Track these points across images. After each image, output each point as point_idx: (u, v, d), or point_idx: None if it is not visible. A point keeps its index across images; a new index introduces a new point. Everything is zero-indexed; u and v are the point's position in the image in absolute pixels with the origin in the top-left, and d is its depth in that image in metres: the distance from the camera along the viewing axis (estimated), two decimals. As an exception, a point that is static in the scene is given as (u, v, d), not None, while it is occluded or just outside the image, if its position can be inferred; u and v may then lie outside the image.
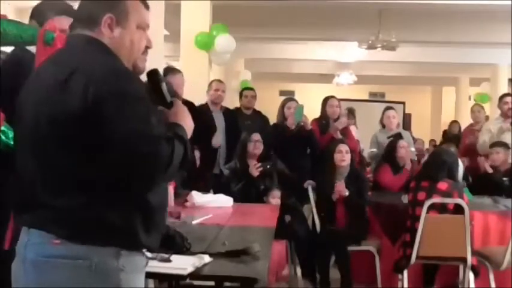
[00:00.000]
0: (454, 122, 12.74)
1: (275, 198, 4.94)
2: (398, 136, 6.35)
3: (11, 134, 2.53)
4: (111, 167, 1.76)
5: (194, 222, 3.53)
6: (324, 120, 6.16)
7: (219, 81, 6.48)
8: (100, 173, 1.77)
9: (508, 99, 6.66)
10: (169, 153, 1.77)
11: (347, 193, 5.03)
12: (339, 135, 6.01)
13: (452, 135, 11.46)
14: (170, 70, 5.04)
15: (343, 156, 5.22)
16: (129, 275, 1.84)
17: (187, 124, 1.98)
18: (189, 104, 5.05)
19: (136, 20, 1.93)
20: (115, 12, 1.89)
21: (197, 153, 5.34)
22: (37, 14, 2.86)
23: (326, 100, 6.34)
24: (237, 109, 6.86)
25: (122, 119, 1.73)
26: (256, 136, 5.25)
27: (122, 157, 1.74)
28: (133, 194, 1.83)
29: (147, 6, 1.97)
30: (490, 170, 5.99)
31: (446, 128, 12.63)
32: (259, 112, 6.80)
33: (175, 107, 2.01)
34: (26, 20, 2.87)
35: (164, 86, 2.00)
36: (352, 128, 7.41)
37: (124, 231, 1.82)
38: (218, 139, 5.85)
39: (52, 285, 1.78)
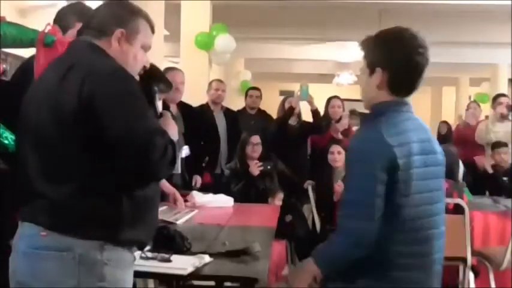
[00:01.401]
0: (443, 123, 12.76)
1: (280, 200, 4.97)
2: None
3: (4, 134, 2.55)
4: (107, 159, 1.84)
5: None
6: (325, 121, 6.17)
7: (219, 80, 6.47)
8: (94, 165, 1.85)
9: (502, 99, 6.70)
10: (163, 144, 1.87)
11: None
12: (339, 136, 6.01)
13: (441, 136, 11.49)
14: (170, 68, 5.05)
15: (335, 157, 5.24)
16: (114, 269, 1.89)
17: (173, 135, 2.10)
18: (187, 107, 5.09)
19: (142, 40, 2.06)
20: (127, 29, 2.02)
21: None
22: (59, 19, 2.86)
23: (329, 100, 6.37)
24: (242, 109, 6.86)
25: (118, 114, 1.83)
26: (255, 139, 5.23)
27: (120, 149, 1.83)
28: (122, 188, 1.89)
29: (153, 30, 2.12)
30: (491, 171, 5.99)
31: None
32: (264, 112, 6.80)
33: (164, 119, 2.17)
34: (26, 21, 2.87)
35: (157, 100, 2.18)
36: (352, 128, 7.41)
37: (109, 225, 1.88)
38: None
39: (41, 276, 1.85)
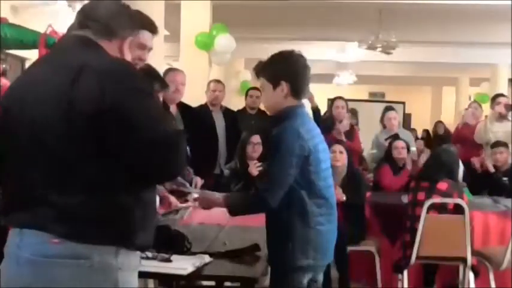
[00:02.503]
0: (439, 123, 12.77)
1: None
2: (395, 137, 6.37)
3: None
4: (117, 162, 1.79)
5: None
6: (328, 121, 6.17)
7: (217, 81, 6.42)
8: (104, 169, 1.80)
9: (501, 99, 6.70)
10: (184, 144, 1.89)
11: (344, 198, 4.99)
12: (342, 137, 6.01)
13: (438, 136, 11.49)
14: (171, 69, 5.04)
15: (336, 157, 5.20)
16: (125, 273, 1.87)
17: None
18: (187, 107, 5.08)
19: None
20: (132, 34, 2.02)
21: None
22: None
23: (333, 101, 6.36)
24: (242, 109, 6.84)
25: (143, 113, 1.80)
26: (255, 138, 5.21)
27: (145, 148, 1.79)
28: (130, 191, 1.85)
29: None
30: (492, 170, 5.99)
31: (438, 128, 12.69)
32: (264, 112, 6.77)
33: None
34: (18, 18, 2.85)
35: None
36: (356, 129, 7.42)
37: (123, 230, 1.85)
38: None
39: (51, 284, 1.79)
